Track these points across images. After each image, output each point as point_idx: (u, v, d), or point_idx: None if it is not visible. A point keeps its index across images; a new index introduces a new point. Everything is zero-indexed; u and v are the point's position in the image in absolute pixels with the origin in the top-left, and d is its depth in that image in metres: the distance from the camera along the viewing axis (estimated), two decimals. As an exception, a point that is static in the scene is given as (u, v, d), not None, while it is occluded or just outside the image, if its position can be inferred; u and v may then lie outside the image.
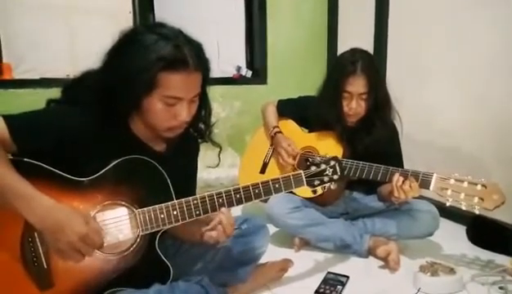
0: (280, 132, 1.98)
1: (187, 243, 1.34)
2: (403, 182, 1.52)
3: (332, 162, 1.29)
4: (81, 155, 1.08)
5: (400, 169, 1.60)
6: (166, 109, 1.09)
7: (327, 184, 1.29)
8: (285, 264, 1.62)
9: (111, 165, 1.11)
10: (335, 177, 1.29)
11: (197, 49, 1.10)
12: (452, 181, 1.46)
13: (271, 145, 2.03)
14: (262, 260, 1.50)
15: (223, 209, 1.15)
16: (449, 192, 1.46)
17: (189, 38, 1.10)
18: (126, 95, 1.07)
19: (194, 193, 1.30)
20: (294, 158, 1.91)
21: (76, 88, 1.16)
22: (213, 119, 1.29)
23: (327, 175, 1.28)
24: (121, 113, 1.12)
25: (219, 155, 1.34)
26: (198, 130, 1.28)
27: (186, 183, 1.29)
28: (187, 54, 1.06)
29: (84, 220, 1.01)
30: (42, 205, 0.97)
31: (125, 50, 1.07)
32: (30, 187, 0.98)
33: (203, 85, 1.15)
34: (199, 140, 1.33)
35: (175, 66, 1.04)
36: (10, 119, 1.03)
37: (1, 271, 1.02)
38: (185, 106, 1.10)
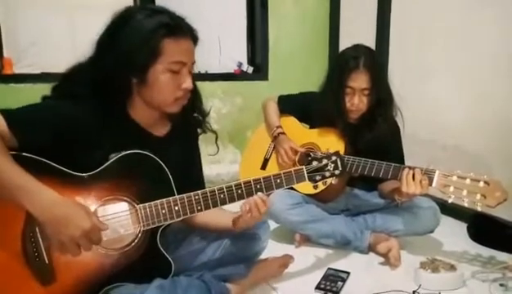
0: (283, 133, 1.97)
1: (209, 230, 1.34)
2: (414, 177, 1.51)
3: (334, 157, 1.29)
4: (81, 148, 1.08)
5: (402, 165, 1.59)
6: (171, 78, 1.12)
7: (329, 180, 1.29)
8: (286, 259, 1.62)
9: (112, 160, 1.11)
10: (337, 172, 1.29)
11: (185, 20, 1.16)
12: (455, 178, 1.46)
13: (273, 142, 2.03)
14: (263, 256, 1.50)
15: (261, 195, 1.19)
16: (451, 189, 1.46)
17: (175, 12, 1.16)
18: (130, 71, 1.09)
19: (200, 179, 1.33)
20: (295, 161, 1.90)
21: (68, 82, 1.16)
22: (213, 115, 1.30)
23: (329, 170, 1.28)
24: (121, 98, 1.13)
25: (216, 142, 1.36)
26: (194, 119, 1.30)
27: (189, 166, 1.31)
28: (182, 22, 1.13)
29: (87, 214, 1.01)
30: (46, 197, 0.98)
31: (123, 27, 1.10)
32: (33, 180, 0.98)
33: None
34: (198, 131, 1.34)
35: (176, 32, 1.10)
36: (8, 113, 1.03)
37: (3, 266, 1.03)
38: (187, 73, 1.14)
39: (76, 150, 1.08)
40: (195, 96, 1.25)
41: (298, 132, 1.99)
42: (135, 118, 1.18)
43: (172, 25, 1.10)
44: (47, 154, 1.05)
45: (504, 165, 1.97)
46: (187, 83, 1.14)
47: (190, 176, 1.21)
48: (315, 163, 1.27)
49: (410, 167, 1.55)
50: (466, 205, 1.43)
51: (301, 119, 2.04)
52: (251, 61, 3.10)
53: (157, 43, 1.08)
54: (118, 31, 1.10)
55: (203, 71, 2.76)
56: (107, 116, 1.12)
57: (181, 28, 1.12)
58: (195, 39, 1.18)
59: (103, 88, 1.09)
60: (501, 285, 1.50)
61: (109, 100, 1.11)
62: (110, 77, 1.08)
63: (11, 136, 1.02)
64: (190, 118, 1.29)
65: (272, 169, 1.98)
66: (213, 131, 1.34)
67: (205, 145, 1.39)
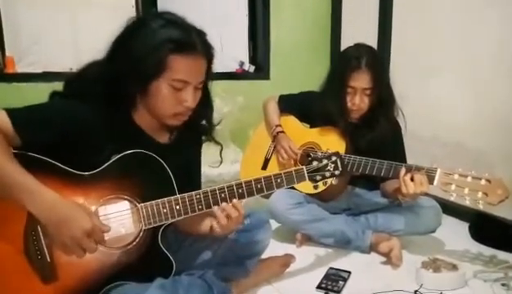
0: (282, 132, 1.97)
1: (193, 235, 1.33)
2: (412, 177, 1.50)
3: (334, 158, 1.29)
4: (84, 149, 1.08)
5: (403, 164, 1.59)
6: (172, 93, 1.10)
7: (329, 180, 1.29)
8: (288, 259, 1.62)
9: (114, 159, 1.11)
10: (337, 172, 1.28)
11: (203, 36, 1.13)
12: (456, 176, 1.46)
13: (273, 142, 2.03)
14: (265, 256, 1.50)
15: (234, 201, 1.15)
16: (453, 187, 1.45)
17: (194, 26, 1.13)
18: (134, 79, 1.08)
19: (199, 185, 1.32)
20: (294, 159, 1.90)
21: (80, 81, 1.16)
22: (215, 116, 1.30)
23: (329, 170, 1.28)
24: (126, 102, 1.13)
25: (221, 154, 1.35)
26: (200, 127, 1.29)
27: (189, 174, 1.30)
28: (195, 39, 1.09)
29: (89, 215, 1.01)
30: (47, 199, 0.98)
31: (135, 34, 1.08)
32: (34, 181, 0.98)
33: (206, 76, 1.16)
34: (203, 138, 1.34)
35: (184, 49, 1.07)
36: (13, 112, 1.04)
37: (5, 264, 1.03)
38: (191, 92, 1.12)
39: (79, 150, 1.08)
40: (205, 106, 1.24)
41: (298, 131, 1.99)
42: (139, 123, 1.18)
43: (181, 41, 1.06)
44: (50, 152, 1.05)
45: (505, 163, 1.96)
46: (189, 102, 1.12)
47: (189, 184, 1.20)
48: (315, 163, 1.27)
49: (409, 167, 1.55)
50: (468, 203, 1.43)
51: (301, 118, 2.04)
52: (253, 60, 3.10)
53: (162, 58, 1.05)
54: (131, 36, 1.09)
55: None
56: (113, 118, 1.12)
57: (192, 45, 1.08)
58: (209, 58, 1.15)
59: (111, 90, 1.09)
60: (503, 285, 1.50)
61: (115, 102, 1.11)
62: (117, 80, 1.08)
63: (15, 135, 1.02)
64: (196, 127, 1.28)
65: (273, 169, 1.97)
66: (219, 143, 1.33)
67: (206, 149, 1.39)
